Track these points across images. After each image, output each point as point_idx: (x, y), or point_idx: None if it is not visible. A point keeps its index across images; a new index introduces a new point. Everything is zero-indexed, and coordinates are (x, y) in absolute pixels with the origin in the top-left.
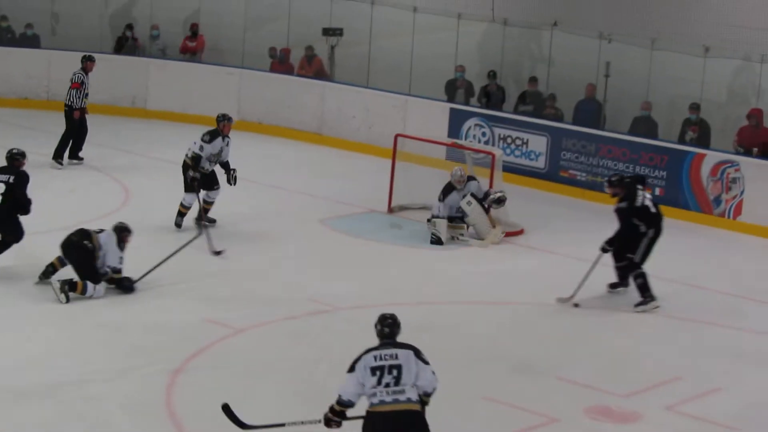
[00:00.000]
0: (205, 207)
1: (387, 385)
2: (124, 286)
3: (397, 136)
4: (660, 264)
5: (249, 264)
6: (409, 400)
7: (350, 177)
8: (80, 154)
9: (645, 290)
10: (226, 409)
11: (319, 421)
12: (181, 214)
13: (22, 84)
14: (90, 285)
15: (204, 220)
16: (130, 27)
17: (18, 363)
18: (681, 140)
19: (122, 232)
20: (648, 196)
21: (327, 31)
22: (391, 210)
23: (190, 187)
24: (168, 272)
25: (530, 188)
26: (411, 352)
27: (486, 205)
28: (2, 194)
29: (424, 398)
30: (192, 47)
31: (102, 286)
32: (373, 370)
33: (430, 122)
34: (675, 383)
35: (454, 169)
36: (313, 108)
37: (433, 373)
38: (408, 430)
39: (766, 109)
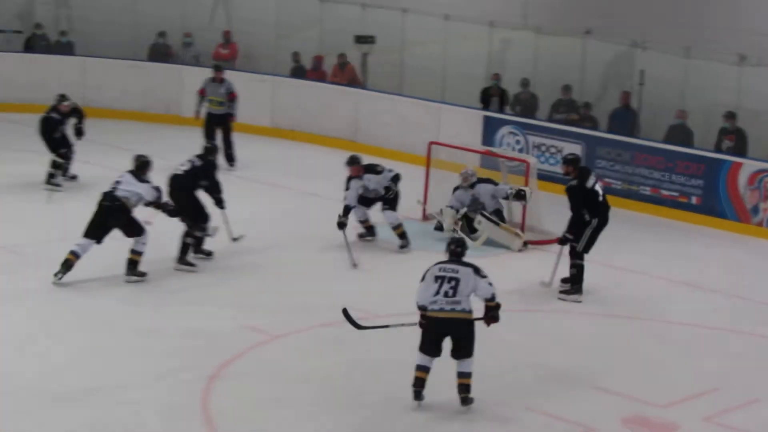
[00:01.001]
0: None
1: (446, 294)
2: (168, 209)
3: (430, 143)
4: (698, 274)
5: (285, 270)
6: (463, 310)
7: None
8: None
9: (575, 281)
10: (345, 312)
11: (416, 324)
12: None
13: (57, 91)
14: (139, 243)
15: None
16: (162, 35)
17: (56, 367)
18: (717, 149)
19: (140, 167)
20: (599, 184)
21: (359, 39)
22: (425, 217)
23: None
24: (205, 277)
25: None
26: (471, 270)
27: (511, 201)
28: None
29: (488, 303)
30: (225, 54)
31: (146, 235)
32: (436, 278)
33: (463, 130)
34: (713, 394)
35: (465, 168)
36: (346, 115)
37: (490, 284)
38: (457, 334)
39: None
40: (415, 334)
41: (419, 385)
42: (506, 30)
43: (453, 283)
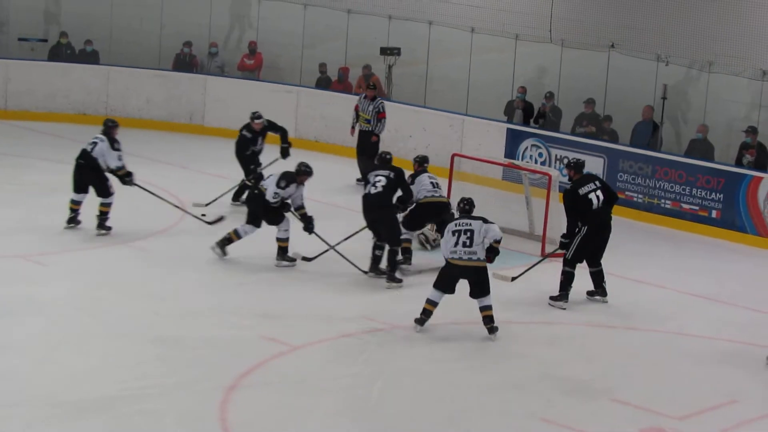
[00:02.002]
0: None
1: (464, 244)
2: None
3: (453, 155)
4: (717, 287)
5: (305, 280)
6: (479, 259)
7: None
8: None
9: (562, 288)
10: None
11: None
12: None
13: (82, 100)
14: (281, 230)
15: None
16: (188, 44)
17: (76, 376)
18: (738, 163)
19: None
20: (599, 194)
21: (385, 51)
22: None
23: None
24: (225, 287)
25: None
26: (480, 221)
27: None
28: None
29: (494, 244)
30: (250, 65)
31: (287, 222)
32: (453, 233)
33: (486, 142)
34: (730, 406)
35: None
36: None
37: (497, 228)
38: (475, 278)
39: None
40: (441, 345)
41: (426, 314)
42: (531, 43)
43: (468, 234)
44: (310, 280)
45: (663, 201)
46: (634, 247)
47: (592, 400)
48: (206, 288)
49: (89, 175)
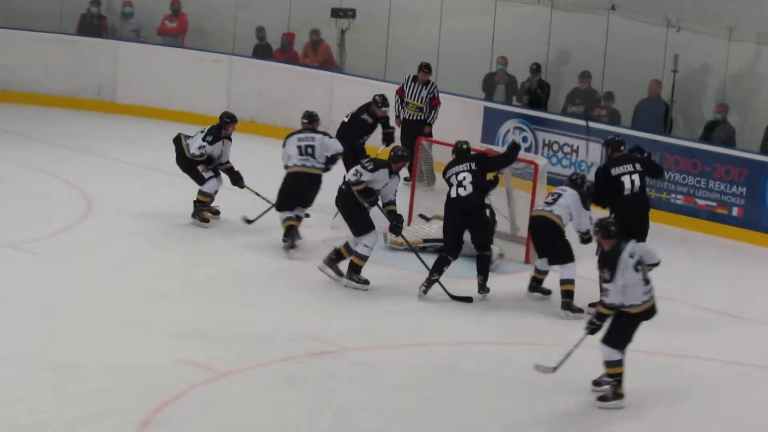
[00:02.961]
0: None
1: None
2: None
3: (419, 139)
4: (737, 300)
5: (235, 291)
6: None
7: None
8: None
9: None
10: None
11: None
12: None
13: None
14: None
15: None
16: (96, 2)
17: None
18: (764, 150)
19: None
20: (634, 178)
21: (337, 13)
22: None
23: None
24: (136, 300)
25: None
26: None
27: None
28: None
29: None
30: (172, 29)
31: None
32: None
33: (460, 124)
34: None
35: None
36: (318, 104)
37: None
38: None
39: None
40: (401, 371)
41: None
42: (515, 4)
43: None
44: (242, 290)
45: (674, 196)
46: None
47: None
48: (113, 301)
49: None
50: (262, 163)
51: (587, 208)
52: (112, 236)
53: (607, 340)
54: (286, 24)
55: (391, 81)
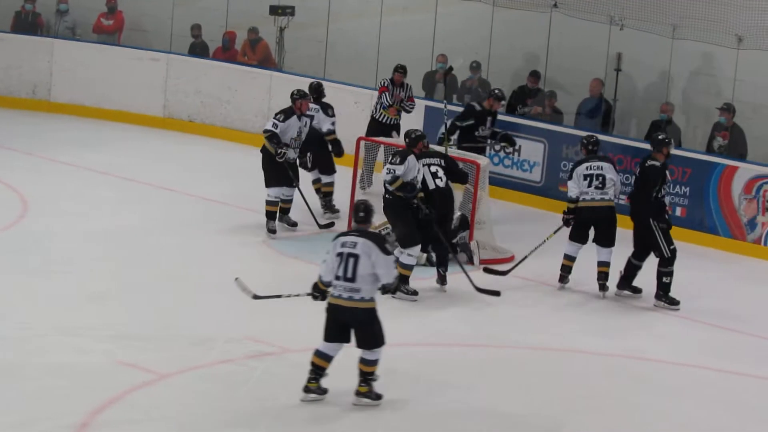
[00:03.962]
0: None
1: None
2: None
3: (359, 139)
4: (684, 300)
5: (174, 292)
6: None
7: (302, 188)
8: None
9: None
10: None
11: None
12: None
13: None
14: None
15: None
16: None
17: None
18: (709, 149)
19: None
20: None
21: (275, 10)
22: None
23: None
24: (73, 300)
25: (523, 205)
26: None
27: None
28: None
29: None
30: (108, 27)
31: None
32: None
33: (401, 123)
34: None
35: None
36: (257, 104)
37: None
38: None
39: None
40: (348, 372)
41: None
42: (456, 1)
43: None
44: (181, 291)
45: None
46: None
47: None
48: (49, 303)
49: None
50: (204, 164)
51: None
52: (48, 237)
53: None
54: (224, 22)
55: (331, 80)
